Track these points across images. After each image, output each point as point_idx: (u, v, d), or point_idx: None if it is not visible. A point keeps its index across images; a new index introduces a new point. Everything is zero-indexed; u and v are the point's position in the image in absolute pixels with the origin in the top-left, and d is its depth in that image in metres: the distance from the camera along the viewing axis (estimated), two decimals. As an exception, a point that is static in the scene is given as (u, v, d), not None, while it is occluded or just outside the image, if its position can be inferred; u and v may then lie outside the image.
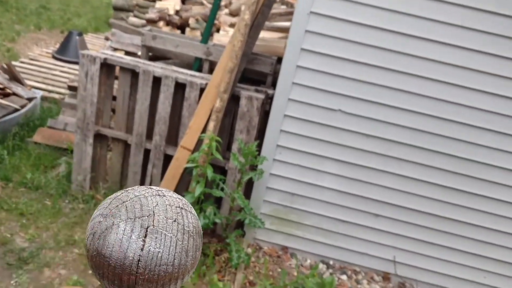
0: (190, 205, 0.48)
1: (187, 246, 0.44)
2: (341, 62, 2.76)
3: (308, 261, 3.27)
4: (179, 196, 0.49)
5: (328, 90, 2.82)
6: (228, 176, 3.12)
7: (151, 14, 5.52)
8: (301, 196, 3.12)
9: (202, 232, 0.48)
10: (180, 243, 0.44)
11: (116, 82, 3.33)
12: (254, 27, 2.93)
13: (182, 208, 0.46)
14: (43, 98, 4.74)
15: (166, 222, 0.44)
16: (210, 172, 2.76)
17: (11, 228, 3.02)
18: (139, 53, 3.92)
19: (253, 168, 3.05)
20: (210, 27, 3.44)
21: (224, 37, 3.92)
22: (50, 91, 5.03)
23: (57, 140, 3.92)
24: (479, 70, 2.68)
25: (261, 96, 2.97)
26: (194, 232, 0.46)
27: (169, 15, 5.65)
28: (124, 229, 0.43)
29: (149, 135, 3.22)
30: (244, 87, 3.11)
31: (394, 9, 2.62)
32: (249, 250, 3.19)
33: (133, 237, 0.42)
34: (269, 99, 3.09)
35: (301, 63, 2.79)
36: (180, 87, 3.08)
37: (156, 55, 3.68)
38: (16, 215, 3.14)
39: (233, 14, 4.69)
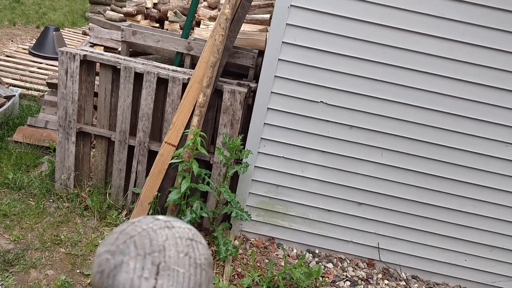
0: (200, 235, 0.47)
1: (200, 280, 0.43)
2: (322, 55, 2.79)
3: (295, 250, 3.32)
4: (188, 226, 0.48)
5: (310, 83, 2.85)
6: (213, 170, 3.14)
7: (129, 8, 5.45)
8: (286, 187, 3.16)
9: (212, 262, 0.48)
10: (193, 277, 0.43)
11: (97, 78, 3.30)
12: (235, 21, 2.93)
13: (192, 239, 0.45)
14: (22, 96, 4.66)
15: (178, 257, 0.42)
16: (195, 167, 2.77)
17: (-5, 230, 2.99)
18: (119, 49, 3.88)
19: (238, 161, 3.07)
20: (190, 21, 3.42)
21: (204, 31, 3.90)
22: (28, 89, 4.94)
23: (38, 138, 3.87)
24: (457, 59, 2.74)
25: (244, 90, 2.98)
26: (206, 264, 0.45)
27: (147, 8, 5.58)
28: (135, 267, 0.41)
29: (133, 132, 3.21)
30: (227, 81, 3.12)
31: (374, 2, 2.66)
32: (236, 242, 3.22)
33: (144, 276, 0.41)
34: (251, 93, 3.11)
35: (283, 56, 2.81)
36: (162, 83, 3.07)
37: (136, 51, 3.65)
38: None
39: (212, 6, 4.66)
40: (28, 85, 5.03)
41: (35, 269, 2.76)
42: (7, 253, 2.82)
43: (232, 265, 2.99)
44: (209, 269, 0.44)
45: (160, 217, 0.47)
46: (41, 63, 5.81)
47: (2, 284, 2.63)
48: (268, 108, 2.94)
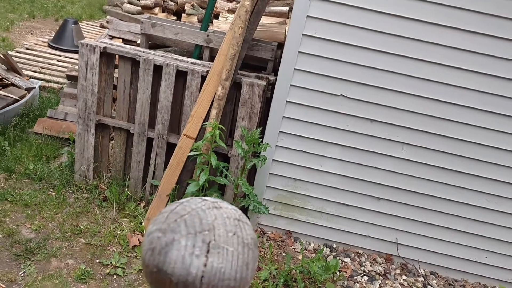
0: (245, 216, 0.48)
1: (248, 259, 0.44)
2: (343, 47, 2.76)
3: (312, 244, 3.31)
4: (234, 207, 0.49)
5: (330, 76, 2.83)
6: (231, 163, 3.14)
7: (146, 1, 5.46)
8: (304, 181, 3.15)
9: (257, 243, 0.48)
10: (241, 256, 0.44)
11: (116, 71, 3.32)
12: (255, 13, 2.91)
13: (239, 220, 0.46)
14: (41, 88, 4.72)
15: (227, 236, 0.43)
16: (214, 160, 2.78)
17: (17, 219, 3.04)
18: (137, 41, 3.90)
19: (256, 154, 3.07)
20: (209, 13, 3.41)
21: (223, 23, 3.89)
22: (48, 81, 5.00)
23: (58, 130, 3.91)
24: (483, 53, 2.69)
25: (263, 82, 2.97)
26: (252, 244, 0.46)
27: (164, 1, 5.59)
28: (186, 244, 0.42)
29: (151, 124, 3.22)
30: (245, 74, 3.11)
31: (395, -7, 2.62)
32: (254, 236, 3.22)
33: (195, 253, 0.42)
34: (270, 86, 3.10)
35: (303, 49, 2.78)
36: (181, 75, 3.08)
37: (155, 43, 3.65)
38: (21, 206, 3.15)
39: (230, -1, 4.65)
40: (47, 77, 5.09)
41: (56, 258, 2.81)
42: (29, 242, 2.87)
43: (249, 258, 3.00)
44: (255, 249, 0.45)
45: (207, 198, 0.47)
46: (60, 55, 5.87)
47: (24, 271, 2.67)
48: (287, 101, 2.92)
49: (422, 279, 3.18)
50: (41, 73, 5.17)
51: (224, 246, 0.43)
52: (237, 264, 0.43)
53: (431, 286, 3.13)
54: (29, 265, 2.72)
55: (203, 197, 0.49)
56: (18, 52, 5.72)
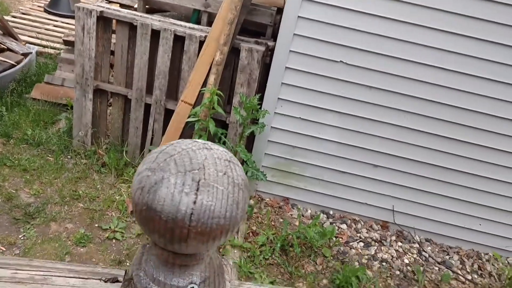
0: (236, 159, 0.48)
1: (238, 199, 0.44)
2: (343, 12, 2.71)
3: (309, 211, 3.35)
4: (225, 149, 0.49)
5: (330, 41, 2.79)
6: (230, 130, 3.13)
7: (144, -36, 5.32)
8: (302, 148, 3.15)
9: (248, 184, 0.49)
10: (231, 195, 0.44)
11: (113, 36, 3.27)
12: (254, -23, 2.85)
13: (230, 161, 0.46)
14: (38, 54, 4.66)
15: (217, 175, 0.43)
16: (212, 126, 2.77)
17: (15, 184, 3.06)
18: (134, 6, 3.83)
19: (255, 121, 3.06)
20: (207, -23, 3.33)
21: (221, -13, 3.80)
22: (44, 46, 4.93)
23: (56, 96, 3.89)
24: (487, 19, 2.64)
25: (262, 48, 2.93)
26: (243, 184, 0.46)
27: (163, -35, 5.45)
28: (175, 182, 0.42)
29: (149, 90, 3.20)
30: (244, 39, 3.06)
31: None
32: (251, 202, 3.25)
33: (185, 191, 0.42)
34: (269, 51, 3.06)
35: (302, 14, 2.74)
36: (179, 40, 3.03)
37: (153, 8, 3.59)
38: (20, 171, 3.16)
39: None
40: (44, 42, 5.02)
41: (55, 222, 2.84)
42: (28, 206, 2.90)
43: (247, 223, 3.03)
44: (246, 190, 0.46)
45: (198, 140, 0.47)
46: (56, 21, 5.77)
47: (24, 235, 2.71)
48: (286, 67, 2.89)
49: (417, 245, 3.23)
50: (38, 38, 5.09)
51: (214, 185, 0.43)
52: (227, 203, 0.43)
53: (425, 252, 3.19)
54: (28, 228, 2.75)
55: (194, 139, 0.48)
56: (13, 17, 5.62)
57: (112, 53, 3.33)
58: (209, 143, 0.48)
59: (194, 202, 0.42)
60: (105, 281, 0.54)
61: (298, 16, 2.74)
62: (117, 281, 0.54)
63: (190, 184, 0.42)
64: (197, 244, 0.44)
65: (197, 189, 0.42)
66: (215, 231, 0.43)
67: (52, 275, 0.53)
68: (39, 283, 0.51)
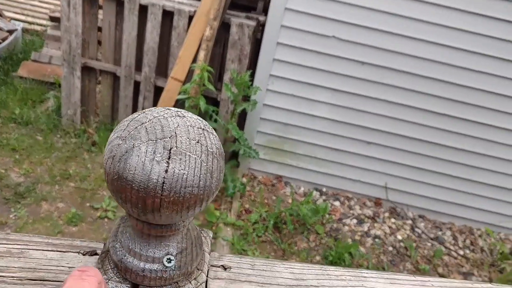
0: (211, 127, 0.46)
1: (212, 168, 0.43)
2: (336, -15, 2.64)
3: (302, 189, 3.34)
4: (199, 118, 0.46)
5: (322, 16, 2.73)
6: (221, 108, 3.09)
7: None
8: (295, 126, 3.12)
9: (224, 154, 0.46)
10: (205, 164, 0.42)
11: (100, 12, 3.18)
12: (244, -52, 2.76)
13: (204, 129, 0.44)
14: (24, 30, 4.55)
15: (189, 143, 0.42)
16: (203, 104, 2.72)
17: (5, 164, 3.01)
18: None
19: (246, 98, 3.01)
20: (196, -51, 3.23)
21: (211, -40, 3.70)
22: (30, 23, 4.81)
23: (43, 74, 3.81)
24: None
25: (253, 23, 2.86)
26: (217, 153, 0.44)
27: None
28: (146, 151, 0.40)
29: (138, 67, 3.13)
30: (235, 14, 2.99)
31: None
32: (244, 180, 3.23)
33: (156, 159, 0.40)
34: (260, 26, 2.99)
35: (294, -13, 2.67)
36: (167, 16, 2.95)
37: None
38: (8, 151, 3.11)
39: None
40: (30, 19, 4.89)
41: (46, 202, 2.81)
42: (18, 186, 2.86)
43: (240, 201, 3.02)
44: (221, 158, 0.44)
45: (172, 108, 0.45)
46: (43, -4, 5.62)
47: (15, 215, 2.68)
48: (277, 42, 2.83)
49: (410, 222, 3.24)
50: (23, 14, 4.97)
51: (186, 153, 0.41)
52: (200, 172, 0.42)
53: (418, 228, 3.20)
54: (19, 208, 2.73)
55: (168, 107, 0.46)
56: (-2, -8, 5.47)
57: (100, 29, 3.25)
58: (183, 110, 0.46)
59: (166, 171, 0.40)
60: (84, 254, 0.52)
61: (290, -10, 2.67)
62: (96, 254, 0.52)
63: (161, 152, 0.40)
64: (171, 214, 0.42)
65: (169, 157, 0.40)
66: (188, 200, 0.42)
67: (29, 249, 0.51)
68: (16, 256, 0.50)
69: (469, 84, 2.85)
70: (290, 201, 3.10)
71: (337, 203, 3.25)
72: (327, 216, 3.06)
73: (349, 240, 2.97)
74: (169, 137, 0.41)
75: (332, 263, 2.75)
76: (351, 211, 3.22)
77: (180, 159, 0.40)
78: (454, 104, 2.93)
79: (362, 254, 2.86)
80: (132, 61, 3.08)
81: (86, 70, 3.22)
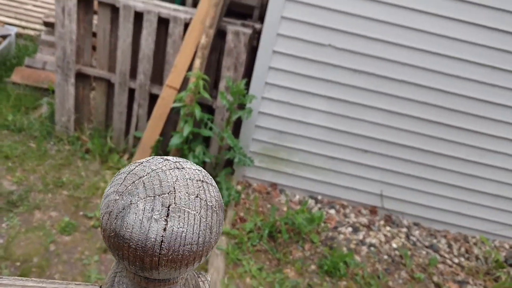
0: (210, 177, 0.45)
1: (211, 223, 0.42)
2: (332, -6, 2.64)
3: (297, 197, 3.32)
4: (198, 167, 0.45)
5: (319, 24, 2.72)
6: (216, 115, 3.07)
7: None
8: (290, 133, 3.11)
9: (223, 204, 0.45)
10: (204, 220, 0.41)
11: (95, 18, 3.16)
12: (240, -44, 2.75)
13: (203, 181, 0.43)
14: (18, 35, 4.51)
15: (188, 198, 0.40)
16: (198, 112, 2.71)
17: (-3, 172, 2.98)
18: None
19: (242, 106, 3.00)
20: (192, -44, 3.23)
21: (207, -33, 3.69)
22: (24, 27, 4.78)
23: (37, 80, 3.77)
24: (478, 3, 2.60)
25: (248, 31, 2.85)
26: (217, 206, 0.43)
27: None
28: (144, 208, 0.39)
29: (133, 74, 3.11)
30: (231, 21, 2.98)
31: None
32: (239, 188, 3.22)
33: (154, 217, 0.39)
34: (256, 34, 2.98)
35: (290, -4, 2.66)
36: (163, 23, 2.94)
37: (135, -12, 3.46)
38: (1, 158, 3.08)
39: None
40: (23, 23, 4.86)
41: (39, 210, 2.78)
42: (11, 194, 2.83)
43: (234, 210, 3.00)
44: (220, 211, 0.43)
45: (170, 157, 0.44)
46: (36, 0, 5.58)
47: (7, 224, 2.65)
48: (273, 51, 2.82)
49: (405, 230, 3.24)
50: (17, 19, 4.93)
51: (186, 209, 0.40)
52: (200, 228, 0.41)
53: (413, 236, 3.20)
54: (11, 217, 2.69)
55: (166, 157, 0.45)
56: (-9, -4, 5.43)
57: (94, 35, 3.22)
58: (181, 161, 0.44)
59: (164, 229, 0.39)
60: None
61: (286, -2, 2.67)
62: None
63: (159, 210, 0.39)
64: (169, 270, 0.41)
65: (167, 215, 0.39)
66: (187, 257, 0.41)
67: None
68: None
69: (464, 92, 2.86)
70: (285, 209, 3.09)
71: (332, 211, 3.24)
72: (322, 224, 3.05)
73: (344, 249, 2.96)
74: (168, 193, 0.40)
75: (327, 273, 2.74)
76: (347, 219, 3.21)
77: (179, 216, 0.39)
78: (450, 112, 2.93)
79: (357, 263, 2.85)
80: (126, 68, 3.06)
81: (80, 76, 3.19)
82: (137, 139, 3.22)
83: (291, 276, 2.69)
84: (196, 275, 0.53)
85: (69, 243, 2.63)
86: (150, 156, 2.97)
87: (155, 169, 0.42)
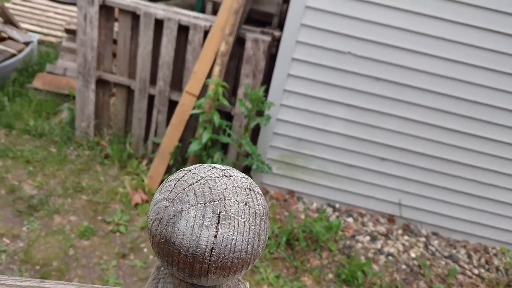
0: (256, 185, 0.45)
1: (259, 230, 0.42)
2: (352, 2, 2.64)
3: (315, 204, 3.31)
4: (245, 176, 0.46)
5: (338, 32, 2.72)
6: (234, 122, 3.08)
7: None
8: (308, 141, 3.10)
9: (269, 213, 0.45)
10: (253, 227, 0.41)
11: (116, 24, 3.21)
12: (260, -35, 2.78)
13: (250, 189, 0.43)
14: (40, 42, 4.60)
15: (238, 206, 0.41)
16: (217, 118, 2.72)
17: (19, 176, 3.02)
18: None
19: (260, 113, 3.01)
20: (212, -36, 3.26)
21: (226, -25, 3.72)
22: (46, 34, 4.87)
23: (58, 86, 3.84)
24: (497, 9, 2.57)
25: (268, 38, 2.86)
26: (264, 214, 0.43)
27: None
28: (195, 215, 0.40)
29: (153, 81, 3.14)
30: (250, 29, 3.00)
31: None
32: (256, 195, 3.21)
33: (205, 224, 0.39)
34: (275, 42, 2.99)
35: (310, 3, 2.67)
36: (183, 30, 2.97)
37: (156, -4, 3.52)
38: (22, 163, 3.13)
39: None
40: (45, 30, 4.95)
41: (59, 215, 2.81)
42: (31, 198, 2.87)
43: (252, 217, 3.00)
44: (267, 219, 0.43)
45: (217, 165, 0.44)
46: (57, 8, 5.69)
47: (28, 227, 2.68)
48: (292, 58, 2.83)
49: (424, 239, 3.20)
50: (39, 26, 5.03)
51: (235, 217, 0.40)
52: (249, 236, 0.41)
53: (432, 246, 3.15)
54: (32, 221, 2.73)
55: (213, 165, 0.45)
56: (14, 3, 5.54)
57: (115, 42, 3.27)
58: (229, 169, 0.45)
59: (215, 237, 0.39)
60: None
61: (306, 6, 2.67)
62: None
63: (210, 217, 0.39)
64: (218, 277, 0.41)
65: (218, 222, 0.39)
66: (236, 265, 0.41)
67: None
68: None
69: (484, 101, 2.82)
70: (302, 216, 3.07)
71: (350, 220, 3.21)
72: (340, 233, 3.02)
73: (362, 258, 2.93)
74: (218, 200, 0.40)
75: (345, 282, 2.72)
76: (364, 228, 3.19)
77: (229, 224, 0.40)
78: (470, 121, 2.90)
79: (375, 272, 2.83)
80: (146, 75, 3.09)
81: (101, 83, 3.24)
82: (156, 145, 3.24)
83: (309, 284, 2.67)
84: (236, 282, 0.53)
85: (88, 247, 2.66)
86: (169, 162, 2.98)
87: (204, 177, 0.42)
